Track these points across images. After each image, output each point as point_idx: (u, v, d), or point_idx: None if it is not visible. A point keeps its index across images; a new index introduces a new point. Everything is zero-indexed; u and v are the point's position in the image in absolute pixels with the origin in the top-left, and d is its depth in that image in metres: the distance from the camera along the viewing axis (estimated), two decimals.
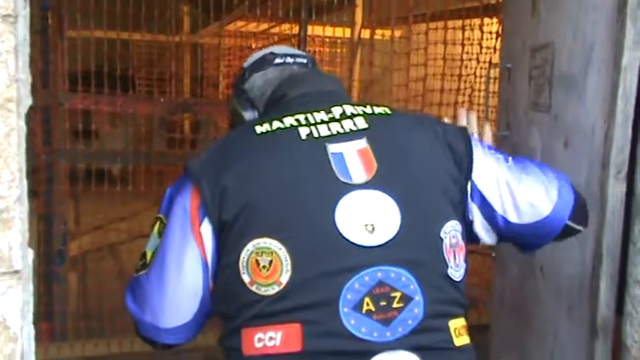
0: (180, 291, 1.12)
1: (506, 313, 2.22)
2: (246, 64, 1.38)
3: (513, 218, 1.19)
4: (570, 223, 1.22)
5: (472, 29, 3.55)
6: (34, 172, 3.11)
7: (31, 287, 0.89)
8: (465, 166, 1.17)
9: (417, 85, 3.63)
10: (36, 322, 2.60)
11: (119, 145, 4.45)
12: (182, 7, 5.56)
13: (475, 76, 3.68)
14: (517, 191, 1.19)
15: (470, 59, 3.63)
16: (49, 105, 3.14)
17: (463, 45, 3.58)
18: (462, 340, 1.11)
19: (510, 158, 1.24)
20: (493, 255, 2.39)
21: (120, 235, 3.92)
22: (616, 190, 1.41)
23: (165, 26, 3.68)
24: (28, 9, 0.85)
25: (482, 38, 3.57)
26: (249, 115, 1.33)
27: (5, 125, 0.75)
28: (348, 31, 4.76)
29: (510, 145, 2.17)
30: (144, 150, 3.34)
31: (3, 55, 0.75)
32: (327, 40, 4.98)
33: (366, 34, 4.34)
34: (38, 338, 2.65)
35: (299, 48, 3.61)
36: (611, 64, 1.40)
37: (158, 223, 1.16)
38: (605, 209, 1.41)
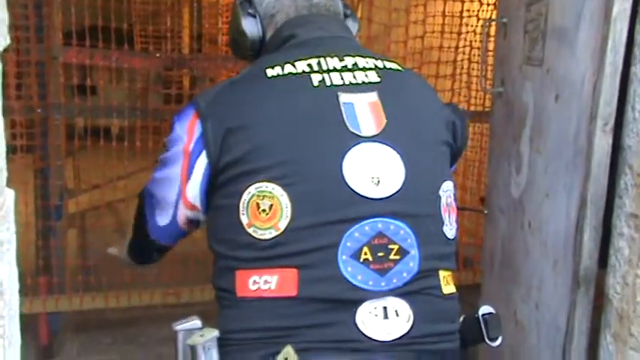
0: (159, 203, 1.21)
1: (495, 268, 2.25)
2: None
3: None
4: None
5: None
6: (29, 126, 3.11)
7: (12, 227, 0.90)
8: (458, 139, 1.21)
9: (416, 43, 3.59)
10: (34, 276, 2.63)
11: (117, 101, 4.44)
12: None
13: (475, 34, 3.64)
14: None
15: (470, 16, 3.59)
16: (44, 60, 3.12)
17: (463, 1, 3.54)
18: (449, 288, 1.15)
19: None
20: (485, 212, 2.40)
21: (117, 193, 3.93)
22: (602, 142, 1.41)
23: None
24: None
25: None
26: (251, 28, 1.27)
27: None
28: None
29: (504, 102, 2.17)
30: (140, 106, 3.33)
31: None
32: None
33: None
34: (37, 291, 2.70)
35: None
36: (602, 15, 1.39)
37: (163, 148, 1.21)
38: (591, 161, 1.42)
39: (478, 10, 3.59)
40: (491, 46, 2.50)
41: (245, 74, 1.19)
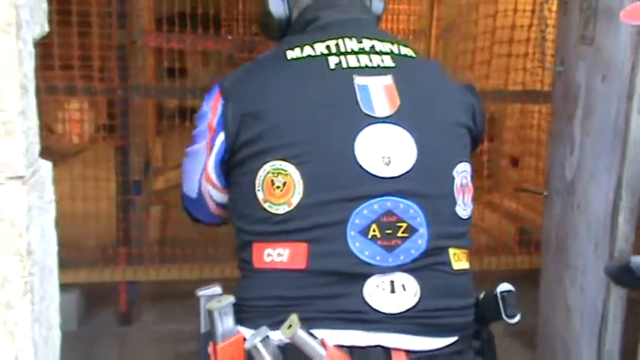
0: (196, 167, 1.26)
1: (551, 251, 2.22)
2: None
3: None
4: None
5: None
6: (110, 106, 3.31)
7: (46, 196, 1.00)
8: (478, 122, 1.22)
9: (487, 22, 3.53)
10: (115, 247, 2.82)
11: (204, 83, 4.63)
12: None
13: (550, 11, 3.52)
14: None
15: None
16: (125, 43, 3.30)
17: None
18: (460, 264, 1.16)
19: None
20: (545, 194, 2.37)
21: None
22: (639, 122, 1.37)
23: None
24: None
25: None
26: (277, 9, 1.32)
27: (6, 47, 0.85)
28: None
29: (563, 81, 2.12)
30: None
31: None
32: None
33: None
34: (116, 261, 2.89)
35: None
36: None
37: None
38: (627, 142, 1.39)
39: None
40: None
41: (268, 55, 1.25)
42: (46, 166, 1.00)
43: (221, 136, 1.18)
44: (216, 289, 1.18)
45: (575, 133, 1.93)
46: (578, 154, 1.88)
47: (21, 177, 0.89)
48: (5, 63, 0.85)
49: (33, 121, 0.94)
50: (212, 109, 1.21)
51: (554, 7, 3.51)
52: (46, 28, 1.01)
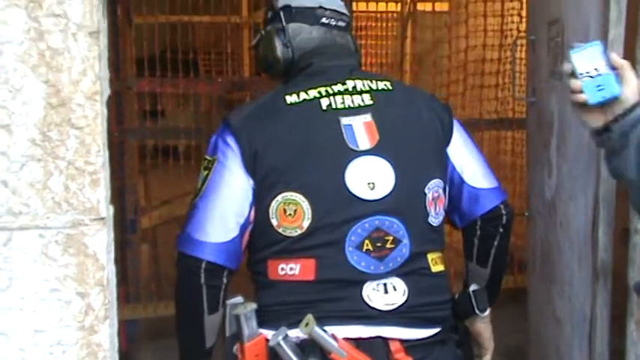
0: (225, 204, 1.36)
1: (537, 267, 2.40)
2: (294, 4, 1.49)
3: (467, 178, 1.46)
4: (502, 207, 1.47)
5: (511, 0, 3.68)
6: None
7: (112, 234, 1.16)
8: (447, 134, 1.46)
9: (459, 57, 3.77)
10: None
11: (184, 123, 4.76)
12: None
13: (516, 46, 3.77)
14: (476, 162, 1.48)
15: (510, 29, 3.74)
16: (120, 89, 3.45)
17: (503, 16, 3.70)
18: (437, 267, 1.42)
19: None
20: (526, 214, 2.57)
21: (185, 208, 4.21)
22: None
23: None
24: (106, 22, 1.11)
25: (521, 8, 3.67)
26: (285, 56, 1.48)
27: (93, 111, 1.01)
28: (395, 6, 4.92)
29: (536, 111, 2.34)
30: (204, 127, 3.62)
31: (90, 60, 1.01)
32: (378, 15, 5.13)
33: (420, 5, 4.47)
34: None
35: None
36: (601, 37, 1.56)
37: (206, 162, 1.41)
38: (600, 163, 1.59)
39: (518, 23, 3.73)
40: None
41: (269, 100, 1.44)
42: (111, 210, 1.16)
43: (247, 176, 1.36)
44: (239, 298, 1.38)
45: (552, 158, 2.13)
46: (556, 176, 2.09)
47: (103, 218, 1.05)
48: (92, 125, 1.01)
49: (108, 172, 1.10)
50: (226, 146, 1.37)
51: (522, 42, 3.78)
52: (109, 92, 1.18)
